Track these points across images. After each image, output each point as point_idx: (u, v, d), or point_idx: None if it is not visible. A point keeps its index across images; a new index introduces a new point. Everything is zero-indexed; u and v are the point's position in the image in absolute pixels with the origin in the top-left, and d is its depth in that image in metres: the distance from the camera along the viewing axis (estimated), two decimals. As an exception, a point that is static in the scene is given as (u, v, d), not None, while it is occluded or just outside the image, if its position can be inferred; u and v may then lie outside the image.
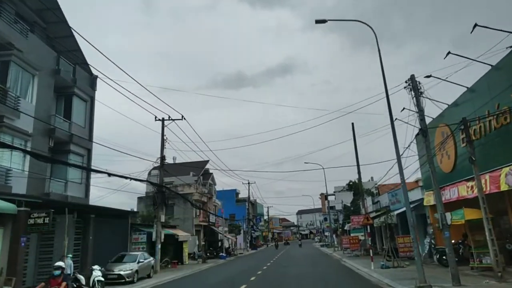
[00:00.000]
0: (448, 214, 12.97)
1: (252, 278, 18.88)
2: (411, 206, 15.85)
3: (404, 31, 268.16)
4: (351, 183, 56.81)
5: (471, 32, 12.92)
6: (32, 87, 19.10)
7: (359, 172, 29.70)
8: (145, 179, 22.46)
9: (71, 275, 15.65)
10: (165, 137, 26.14)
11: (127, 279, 18.47)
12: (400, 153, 13.89)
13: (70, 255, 16.12)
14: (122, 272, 18.49)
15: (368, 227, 27.98)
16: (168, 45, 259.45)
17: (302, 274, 19.91)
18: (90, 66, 23.02)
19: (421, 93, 13.34)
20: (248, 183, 61.96)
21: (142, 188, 45.52)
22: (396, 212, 24.91)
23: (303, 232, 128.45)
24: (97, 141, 20.81)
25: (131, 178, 19.37)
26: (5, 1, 18.64)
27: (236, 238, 61.03)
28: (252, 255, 47.87)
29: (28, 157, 17.19)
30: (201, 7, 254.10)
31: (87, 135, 23.19)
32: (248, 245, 64.11)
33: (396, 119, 14.57)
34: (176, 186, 41.48)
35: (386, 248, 22.70)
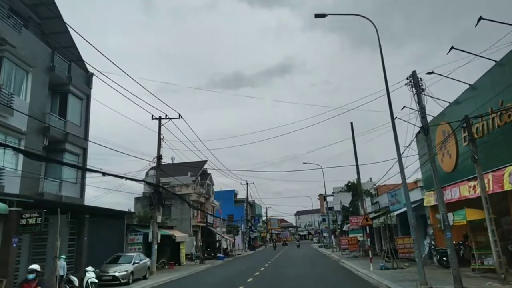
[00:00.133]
0: (450, 215, 12.66)
1: (250, 280, 18.56)
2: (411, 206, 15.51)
3: (404, 31, 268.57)
4: (349, 184, 56.69)
5: (475, 26, 12.64)
6: (26, 84, 18.71)
7: (358, 172, 29.43)
8: (141, 179, 22.09)
9: (64, 276, 15.36)
10: (162, 136, 25.79)
11: (122, 281, 18.12)
12: (401, 152, 13.59)
13: (63, 256, 15.79)
14: (117, 274, 18.13)
15: (367, 227, 27.71)
16: (168, 45, 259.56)
17: (301, 275, 19.60)
18: (86, 64, 22.61)
19: (423, 90, 13.02)
20: (247, 183, 61.73)
21: (139, 189, 45.12)
22: (396, 213, 24.62)
23: (301, 233, 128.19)
24: (94, 141, 20.23)
25: (126, 178, 19.01)
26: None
27: (234, 239, 60.76)
28: (250, 256, 47.58)
29: (21, 155, 16.82)
30: (201, 7, 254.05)
31: (82, 134, 22.80)
32: (246, 246, 63.80)
33: (396, 117, 14.28)
34: (173, 186, 41.16)
35: (386, 249, 22.40)
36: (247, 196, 64.11)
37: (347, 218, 38.61)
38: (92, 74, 24.01)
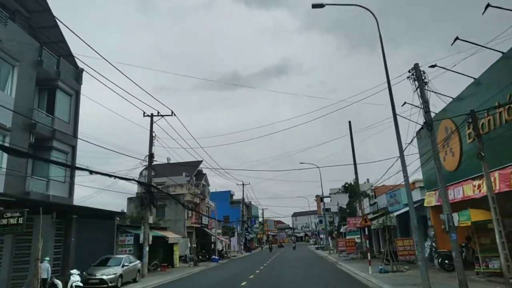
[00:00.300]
0: (455, 215, 11.97)
1: (244, 283, 17.80)
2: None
3: (404, 31, 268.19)
4: (346, 185, 55.99)
5: (482, 13, 12.05)
6: (12, 79, 17.98)
7: (356, 172, 28.77)
8: (131, 178, 21.30)
9: (48, 279, 14.59)
10: (154, 134, 25.02)
11: (110, 284, 17.28)
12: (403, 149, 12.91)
13: (47, 258, 15.03)
14: (104, 277, 17.29)
15: (366, 229, 27.05)
16: (168, 45, 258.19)
17: (297, 279, 18.87)
18: (76, 59, 21.79)
19: (426, 83, 12.35)
20: (243, 184, 60.88)
21: (133, 189, 44.29)
22: (395, 214, 23.95)
23: (298, 235, 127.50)
24: (86, 139, 19.46)
25: (115, 177, 18.24)
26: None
27: (230, 241, 60.01)
28: (246, 258, 46.87)
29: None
30: (199, 7, 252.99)
31: (71, 131, 22.00)
32: (242, 247, 63.00)
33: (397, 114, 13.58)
34: (167, 186, 40.38)
35: (385, 251, 21.68)
36: (243, 197, 63.32)
37: (344, 219, 37.93)
38: (82, 69, 23.20)
